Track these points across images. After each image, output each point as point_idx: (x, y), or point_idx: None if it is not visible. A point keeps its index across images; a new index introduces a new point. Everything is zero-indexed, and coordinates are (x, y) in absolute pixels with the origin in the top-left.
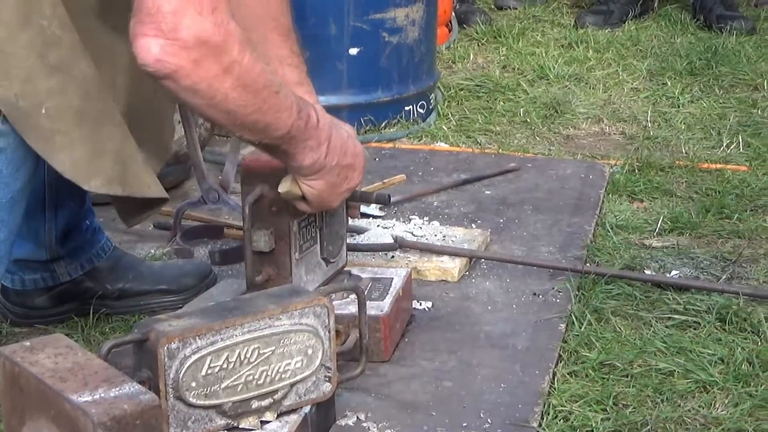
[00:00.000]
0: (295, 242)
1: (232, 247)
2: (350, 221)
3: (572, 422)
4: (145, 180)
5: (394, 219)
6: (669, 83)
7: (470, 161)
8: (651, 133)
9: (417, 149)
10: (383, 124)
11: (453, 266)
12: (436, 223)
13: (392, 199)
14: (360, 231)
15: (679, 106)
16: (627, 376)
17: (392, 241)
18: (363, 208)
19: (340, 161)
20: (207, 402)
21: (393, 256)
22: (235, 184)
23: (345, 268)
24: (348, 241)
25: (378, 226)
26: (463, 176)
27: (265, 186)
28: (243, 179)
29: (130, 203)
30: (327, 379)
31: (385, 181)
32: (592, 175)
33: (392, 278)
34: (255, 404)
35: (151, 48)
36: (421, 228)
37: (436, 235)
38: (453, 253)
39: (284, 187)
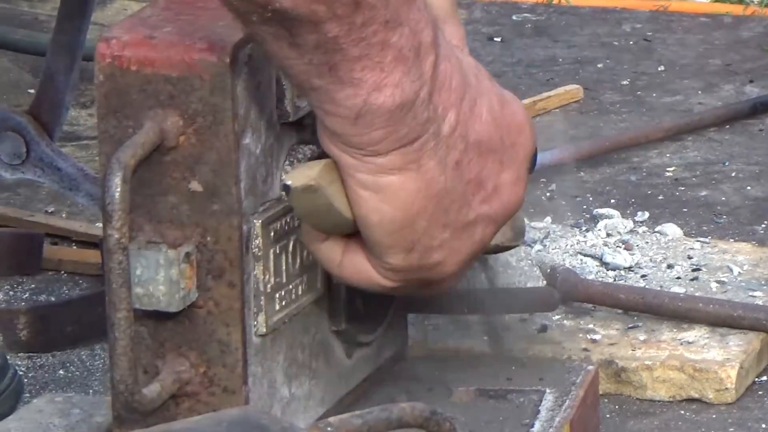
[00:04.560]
0: (261, 285)
1: (67, 298)
2: None
3: None
4: None
5: (549, 216)
6: None
7: None
8: None
9: (612, 7)
10: None
11: (727, 359)
12: (672, 228)
13: (541, 160)
14: None
15: None
16: None
17: (542, 282)
18: None
19: (473, 133)
20: None
21: (545, 328)
22: (83, 115)
23: (401, 360)
24: None
25: None
26: (755, 90)
27: (170, 116)
28: (101, 95)
29: None
30: None
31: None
32: None
33: (543, 392)
34: None
35: None
36: (625, 248)
37: (670, 266)
38: (725, 322)
39: (301, 176)
